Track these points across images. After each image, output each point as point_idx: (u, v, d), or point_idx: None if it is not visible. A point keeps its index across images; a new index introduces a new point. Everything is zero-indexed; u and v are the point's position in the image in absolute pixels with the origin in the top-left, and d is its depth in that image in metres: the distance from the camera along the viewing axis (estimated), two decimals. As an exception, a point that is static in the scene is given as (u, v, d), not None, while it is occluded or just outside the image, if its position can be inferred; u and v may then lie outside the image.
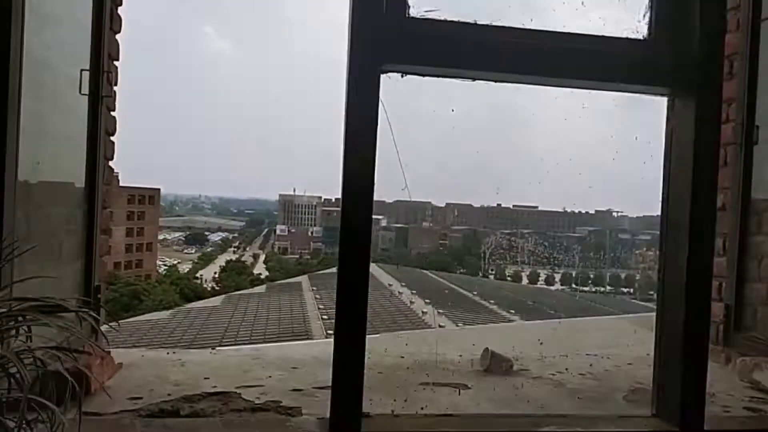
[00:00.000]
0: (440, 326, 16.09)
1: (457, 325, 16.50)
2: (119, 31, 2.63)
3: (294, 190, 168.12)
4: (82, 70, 2.30)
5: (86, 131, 2.31)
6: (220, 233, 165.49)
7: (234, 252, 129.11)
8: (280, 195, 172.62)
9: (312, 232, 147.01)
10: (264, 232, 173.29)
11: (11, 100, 1.81)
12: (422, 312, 18.43)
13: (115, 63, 2.57)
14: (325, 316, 18.31)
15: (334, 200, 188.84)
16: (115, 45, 2.61)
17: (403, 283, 26.22)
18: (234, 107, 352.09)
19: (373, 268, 35.61)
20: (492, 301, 23.79)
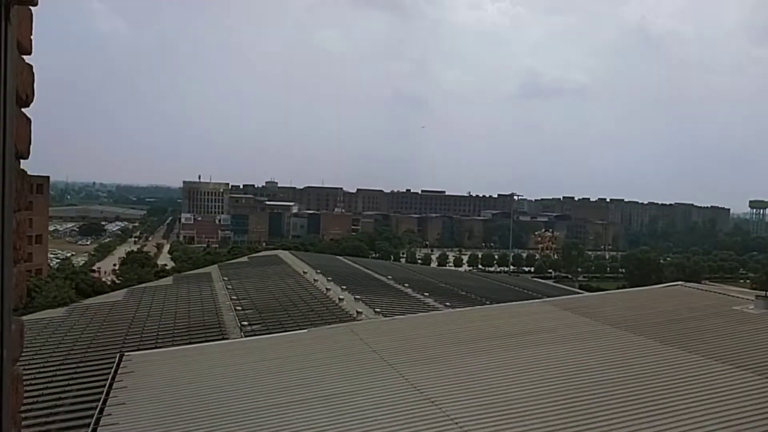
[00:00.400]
0: (358, 312, 16.13)
1: (375, 311, 16.62)
2: None
3: (199, 177, 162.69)
4: None
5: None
6: (118, 222, 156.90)
7: (135, 242, 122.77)
8: (184, 182, 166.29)
9: (220, 220, 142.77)
10: (167, 221, 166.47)
11: None
12: (339, 299, 18.38)
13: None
14: (238, 308, 17.76)
15: (242, 187, 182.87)
16: None
17: (318, 270, 26.01)
18: (131, 87, 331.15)
19: (286, 256, 35.35)
20: (406, 285, 24.22)
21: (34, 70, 1.22)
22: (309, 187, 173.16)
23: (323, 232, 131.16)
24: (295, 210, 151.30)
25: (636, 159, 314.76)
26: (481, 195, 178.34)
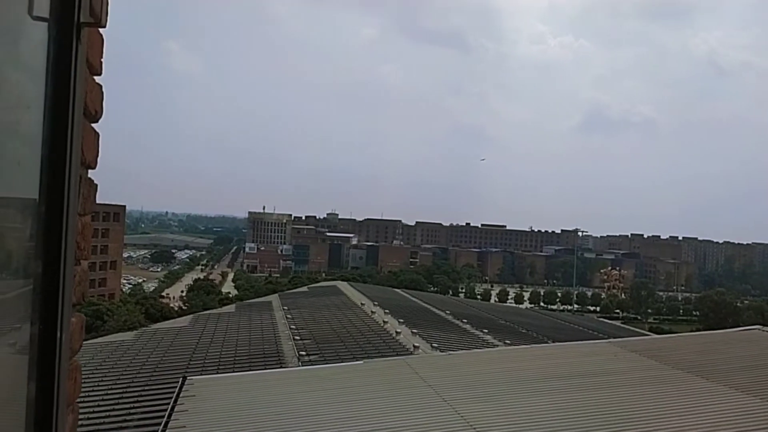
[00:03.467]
0: (415, 346, 15.94)
1: (432, 346, 16.37)
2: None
3: (264, 208, 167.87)
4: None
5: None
6: (187, 251, 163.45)
7: (202, 270, 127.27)
8: (249, 212, 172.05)
9: (282, 250, 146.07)
10: (233, 250, 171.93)
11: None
12: (396, 332, 18.26)
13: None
14: (297, 337, 17.96)
15: (304, 218, 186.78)
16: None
17: (376, 302, 26.01)
18: (202, 122, 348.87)
19: (345, 287, 35.67)
20: (464, 320, 23.79)
21: (103, 90, 1.33)
22: (368, 219, 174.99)
23: (381, 264, 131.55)
24: (354, 241, 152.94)
25: (710, 196, 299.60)
26: (543, 230, 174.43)
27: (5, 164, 1.00)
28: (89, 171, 1.29)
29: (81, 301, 1.26)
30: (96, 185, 1.34)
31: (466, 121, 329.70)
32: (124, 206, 75.66)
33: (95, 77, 1.27)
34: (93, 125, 1.29)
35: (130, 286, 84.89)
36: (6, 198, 1.03)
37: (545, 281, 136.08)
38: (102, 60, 1.28)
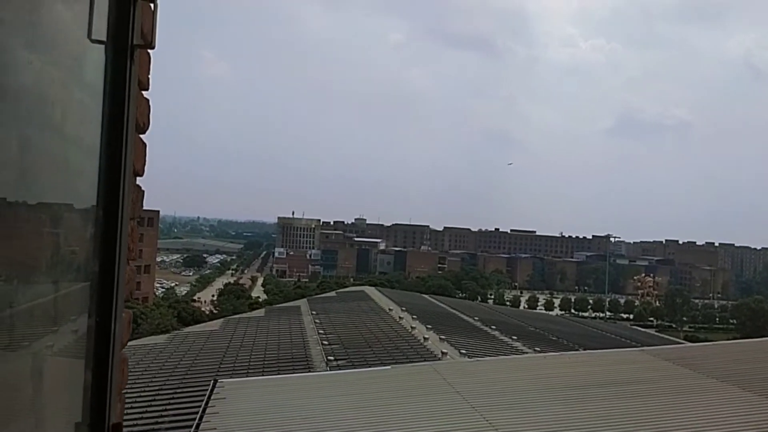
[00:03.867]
0: (443, 352, 15.90)
1: (460, 353, 16.30)
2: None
3: (293, 213, 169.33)
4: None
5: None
6: (218, 255, 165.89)
7: (232, 275, 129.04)
8: (278, 218, 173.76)
9: (310, 255, 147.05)
10: (262, 255, 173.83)
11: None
12: (424, 338, 18.24)
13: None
14: (325, 342, 18.09)
15: (332, 223, 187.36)
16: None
17: (404, 308, 26.02)
18: (233, 127, 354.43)
19: (373, 292, 35.63)
20: (493, 327, 23.60)
21: (150, 103, 1.44)
22: (396, 224, 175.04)
23: (409, 270, 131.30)
24: (382, 246, 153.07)
25: (747, 201, 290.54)
26: (574, 236, 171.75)
27: (70, 175, 1.11)
28: (137, 178, 1.40)
29: (129, 298, 1.35)
30: (143, 191, 1.45)
31: (494, 125, 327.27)
32: (158, 212, 77.31)
33: (143, 92, 1.38)
34: (141, 136, 1.40)
35: (163, 289, 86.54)
36: (69, 205, 1.14)
37: (576, 288, 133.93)
38: (149, 76, 1.39)
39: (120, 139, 1.22)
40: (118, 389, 1.28)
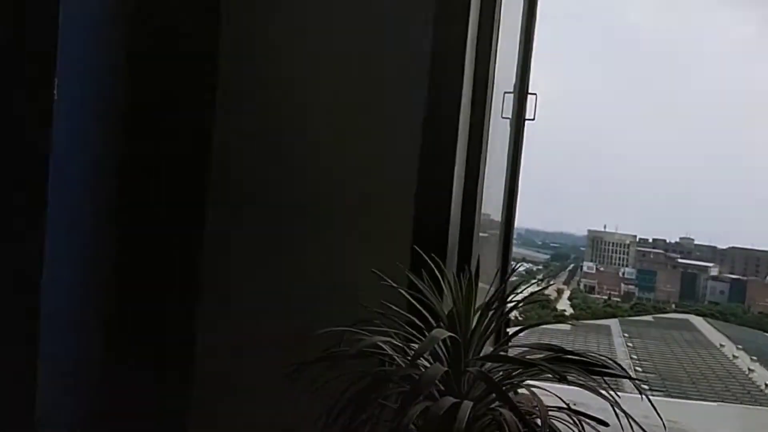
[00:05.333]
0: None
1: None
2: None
3: (605, 227, 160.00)
4: (505, 93, 2.19)
5: (508, 159, 2.25)
6: (524, 264, 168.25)
7: (537, 285, 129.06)
8: (588, 230, 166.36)
9: (623, 273, 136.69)
10: (569, 268, 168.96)
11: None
12: (765, 384, 15.37)
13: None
14: (638, 368, 16.76)
15: (650, 240, 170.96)
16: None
17: (739, 346, 22.25)
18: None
19: (700, 323, 31.28)
20: None
21: None
22: (733, 247, 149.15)
23: (749, 302, 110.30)
24: (714, 272, 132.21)
25: None
26: None
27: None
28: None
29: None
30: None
31: None
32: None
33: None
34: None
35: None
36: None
37: None
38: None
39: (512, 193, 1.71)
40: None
